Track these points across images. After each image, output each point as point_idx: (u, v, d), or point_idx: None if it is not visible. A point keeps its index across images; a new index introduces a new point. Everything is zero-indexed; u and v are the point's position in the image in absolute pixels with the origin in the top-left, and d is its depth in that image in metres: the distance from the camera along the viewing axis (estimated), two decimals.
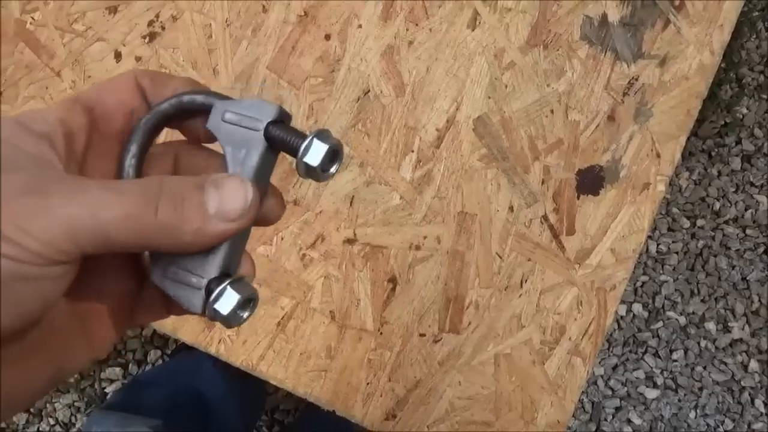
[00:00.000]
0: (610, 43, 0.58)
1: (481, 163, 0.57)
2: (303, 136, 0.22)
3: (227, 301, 0.20)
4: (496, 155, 0.57)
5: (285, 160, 0.57)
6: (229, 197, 0.20)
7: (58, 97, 0.56)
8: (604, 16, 0.58)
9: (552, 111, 0.58)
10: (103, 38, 0.57)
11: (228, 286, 0.21)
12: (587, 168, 0.57)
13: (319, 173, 0.22)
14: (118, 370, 1.26)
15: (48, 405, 1.26)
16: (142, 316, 0.24)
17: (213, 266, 0.21)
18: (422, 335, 0.56)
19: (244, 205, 0.20)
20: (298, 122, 0.57)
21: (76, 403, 1.27)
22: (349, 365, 0.55)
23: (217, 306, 0.21)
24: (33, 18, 0.56)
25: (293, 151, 0.21)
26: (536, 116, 0.58)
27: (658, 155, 0.57)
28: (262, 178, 0.22)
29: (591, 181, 0.57)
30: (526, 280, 0.56)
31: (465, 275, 0.56)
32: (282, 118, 0.22)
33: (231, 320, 0.21)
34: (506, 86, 0.58)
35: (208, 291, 0.21)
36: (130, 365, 1.27)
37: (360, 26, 0.57)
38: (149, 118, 0.23)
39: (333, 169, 0.22)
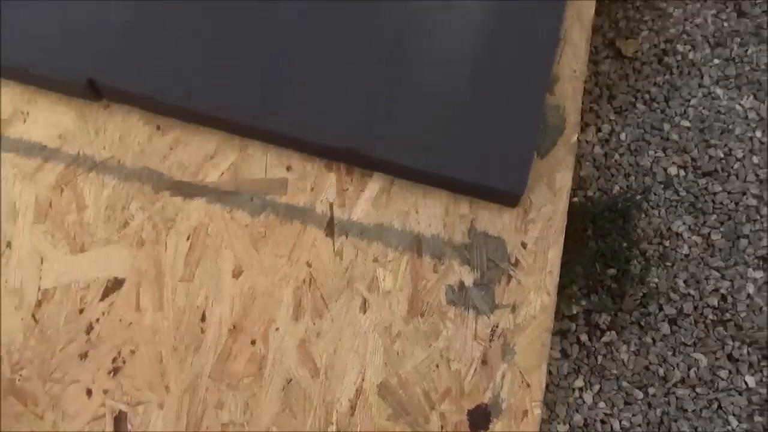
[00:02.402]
0: (470, 302, 0.76)
1: (389, 422, 0.70)
2: None
3: None
4: (399, 412, 0.70)
5: None
6: None
7: None
8: (462, 283, 0.77)
9: (437, 366, 0.72)
10: (77, 380, 0.72)
11: None
12: (475, 407, 0.70)
13: None
14: None
15: None
16: None
17: None
18: None
19: None
20: (237, 420, 0.70)
21: None
22: None
23: None
24: (20, 375, 0.72)
25: None
26: (426, 372, 0.72)
27: (528, 385, 0.71)
28: None
29: (480, 418, 0.70)
30: None
31: None
32: None
33: None
34: (398, 353, 0.73)
35: None
36: None
37: (277, 329, 0.74)
38: None
39: None
